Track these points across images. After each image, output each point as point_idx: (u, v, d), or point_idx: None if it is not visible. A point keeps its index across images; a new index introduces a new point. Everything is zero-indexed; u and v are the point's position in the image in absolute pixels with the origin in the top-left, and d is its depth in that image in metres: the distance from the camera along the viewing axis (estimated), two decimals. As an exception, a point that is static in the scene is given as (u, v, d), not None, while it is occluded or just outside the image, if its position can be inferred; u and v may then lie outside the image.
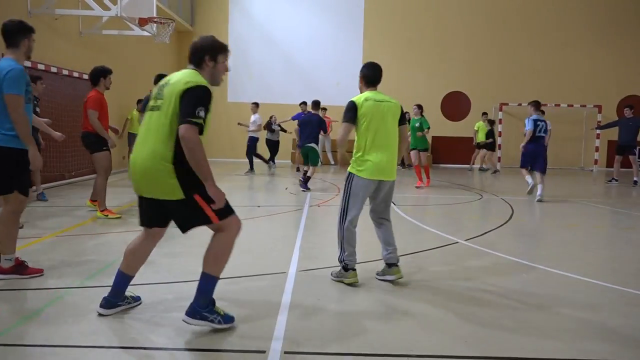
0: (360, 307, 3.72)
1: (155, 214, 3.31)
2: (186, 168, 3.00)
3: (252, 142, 13.78)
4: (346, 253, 4.23)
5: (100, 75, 6.84)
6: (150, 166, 3.05)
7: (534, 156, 9.31)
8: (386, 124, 4.22)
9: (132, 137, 13.26)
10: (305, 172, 10.48)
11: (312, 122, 10.60)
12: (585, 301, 3.94)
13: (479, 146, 15.93)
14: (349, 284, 4.17)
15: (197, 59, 3.29)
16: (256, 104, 13.98)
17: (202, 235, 5.94)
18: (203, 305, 3.15)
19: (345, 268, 4.22)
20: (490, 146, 15.78)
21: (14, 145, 3.98)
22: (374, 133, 4.18)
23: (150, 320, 3.34)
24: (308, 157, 10.38)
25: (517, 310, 3.73)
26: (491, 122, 15.84)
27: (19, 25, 4.09)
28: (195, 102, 2.97)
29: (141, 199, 3.27)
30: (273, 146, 14.96)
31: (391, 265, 4.31)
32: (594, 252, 5.78)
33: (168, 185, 3.04)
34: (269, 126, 14.74)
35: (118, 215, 6.82)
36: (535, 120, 9.25)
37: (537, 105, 9.53)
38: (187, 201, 3.08)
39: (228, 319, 3.19)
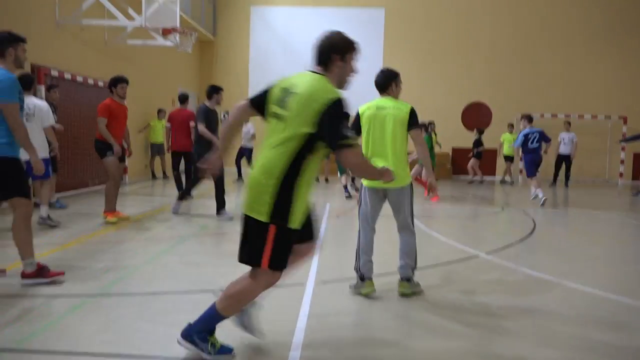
0: (379, 320, 3.68)
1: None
2: (288, 193, 2.69)
3: (246, 153, 13.58)
4: (361, 262, 4.21)
5: (111, 84, 7.06)
6: (257, 179, 2.76)
7: (538, 164, 9.98)
8: (385, 131, 4.15)
9: (154, 147, 13.45)
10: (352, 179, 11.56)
11: None
12: (612, 319, 3.83)
13: (507, 159, 15.48)
14: (365, 295, 4.12)
15: (325, 59, 2.90)
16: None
17: (224, 245, 5.98)
18: (198, 330, 2.92)
19: (362, 278, 4.18)
20: (478, 155, 15.17)
21: (3, 153, 4.05)
22: (372, 141, 4.19)
23: (171, 329, 3.35)
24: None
25: (541, 328, 3.65)
26: (480, 131, 14.94)
27: (3, 35, 4.20)
28: (339, 121, 2.65)
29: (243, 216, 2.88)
30: None
31: (402, 278, 4.24)
32: (620, 267, 5.64)
33: (261, 202, 2.71)
34: None
35: (114, 220, 6.95)
36: (526, 135, 9.88)
37: (529, 119, 10.20)
38: (262, 226, 2.72)
39: (223, 350, 2.93)
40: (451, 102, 17.62)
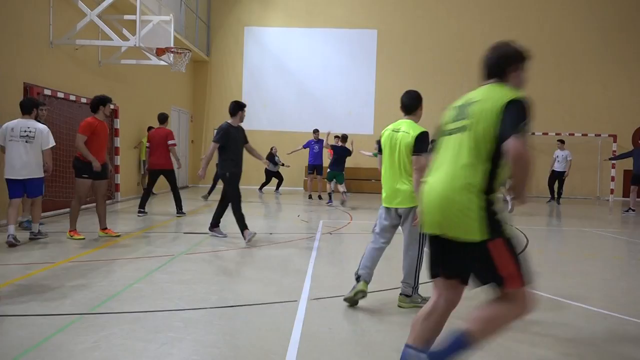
0: (373, 336, 3.66)
1: (454, 260, 2.61)
2: (493, 203, 2.48)
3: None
4: (360, 266, 4.44)
5: (99, 103, 7.15)
6: (449, 196, 2.51)
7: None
8: (394, 154, 4.28)
9: (146, 164, 13.47)
10: (332, 192, 13.02)
11: (336, 153, 13.17)
12: (606, 334, 3.83)
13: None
14: (354, 294, 4.25)
15: (499, 70, 2.78)
16: None
17: (216, 262, 5.95)
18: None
19: (357, 279, 4.35)
20: None
21: None
22: (385, 162, 4.41)
23: (161, 348, 3.32)
24: (335, 178, 12.80)
25: (535, 346, 3.64)
26: None
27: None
28: (518, 115, 2.44)
29: (433, 240, 2.66)
30: (275, 176, 15.26)
31: (401, 293, 4.40)
32: (613, 283, 5.66)
33: (468, 220, 2.45)
34: (271, 158, 14.80)
35: (82, 237, 7.04)
36: None
37: None
38: (483, 246, 2.43)
39: None
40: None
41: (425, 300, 4.27)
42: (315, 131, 14.40)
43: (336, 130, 17.43)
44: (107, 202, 11.43)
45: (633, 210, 12.54)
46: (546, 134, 17.23)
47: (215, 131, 7.51)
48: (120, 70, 12.25)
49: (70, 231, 7.10)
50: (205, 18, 18.22)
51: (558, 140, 15.35)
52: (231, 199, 7.30)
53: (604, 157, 17.23)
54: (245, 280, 5.27)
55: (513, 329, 3.86)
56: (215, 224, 7.71)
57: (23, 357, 3.12)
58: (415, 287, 4.37)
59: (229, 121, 7.43)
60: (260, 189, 15.38)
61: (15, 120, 6.82)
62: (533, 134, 16.88)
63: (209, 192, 13.21)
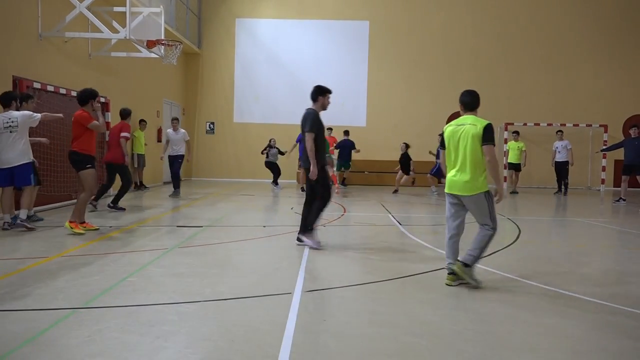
0: (367, 328, 3.68)
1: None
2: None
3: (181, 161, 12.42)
4: (446, 256, 4.91)
5: (90, 97, 7.19)
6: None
7: None
8: (459, 145, 4.72)
9: (140, 158, 13.43)
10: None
11: (346, 146, 15.65)
12: (595, 322, 3.88)
13: (512, 167, 15.16)
14: (447, 284, 4.76)
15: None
16: (176, 119, 12.52)
17: (209, 255, 5.95)
18: None
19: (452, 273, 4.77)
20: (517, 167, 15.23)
21: None
22: (450, 154, 4.84)
23: (155, 341, 3.32)
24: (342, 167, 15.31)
25: (527, 334, 3.68)
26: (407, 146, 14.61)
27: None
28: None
29: None
30: (273, 168, 15.07)
31: (461, 261, 4.75)
32: (604, 272, 5.71)
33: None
34: (270, 149, 14.90)
35: (83, 232, 6.95)
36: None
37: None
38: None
39: None
40: (436, 111, 17.82)
41: (478, 283, 4.70)
42: (329, 129, 14.53)
43: (329, 122, 17.42)
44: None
45: (624, 200, 12.65)
46: (538, 124, 17.31)
47: (303, 119, 6.38)
48: (110, 62, 12.14)
49: (71, 222, 6.98)
50: (196, 10, 18.08)
51: (557, 132, 15.38)
52: (324, 197, 6.33)
53: (595, 147, 17.35)
54: (239, 272, 5.27)
55: (502, 318, 3.90)
56: (307, 229, 6.48)
57: (17, 352, 3.11)
58: (475, 260, 4.73)
59: (314, 107, 6.46)
60: (276, 183, 14.97)
61: None
62: (525, 124, 17.03)
63: (274, 181, 14.59)
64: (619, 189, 13.44)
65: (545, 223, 9.68)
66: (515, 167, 15.14)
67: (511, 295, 4.59)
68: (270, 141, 15.17)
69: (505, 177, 15.46)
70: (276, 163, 15.10)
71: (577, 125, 17.42)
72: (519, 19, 17.88)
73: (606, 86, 17.79)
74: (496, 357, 3.20)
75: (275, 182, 14.93)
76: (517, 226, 8.58)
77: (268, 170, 15.28)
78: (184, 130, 12.40)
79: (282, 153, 14.97)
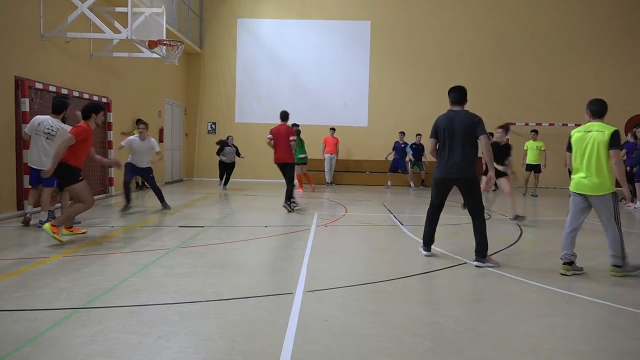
0: (368, 328, 3.68)
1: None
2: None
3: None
4: (564, 251, 5.34)
5: (93, 110, 6.75)
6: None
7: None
8: (586, 151, 5.20)
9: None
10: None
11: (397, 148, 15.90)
12: (600, 323, 3.87)
13: (530, 168, 14.20)
14: (562, 274, 5.24)
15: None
16: (144, 125, 10.09)
17: (211, 255, 5.96)
18: None
19: (567, 262, 5.28)
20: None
21: None
22: (576, 157, 5.33)
23: (157, 341, 3.32)
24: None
25: (527, 335, 3.67)
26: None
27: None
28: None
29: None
30: (228, 169, 14.28)
31: (616, 266, 5.24)
32: (606, 274, 5.70)
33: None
34: (222, 146, 14.11)
35: (61, 239, 6.31)
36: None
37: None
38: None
39: None
40: (436, 111, 17.74)
41: (636, 268, 5.24)
42: (294, 125, 14.61)
43: (331, 122, 17.44)
44: (102, 196, 11.43)
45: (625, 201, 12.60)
46: (540, 124, 17.28)
47: (478, 123, 5.86)
48: (112, 63, 12.16)
49: (54, 227, 6.25)
50: (198, 10, 18.09)
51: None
52: (480, 210, 5.79)
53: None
54: (241, 272, 5.28)
55: (503, 319, 3.89)
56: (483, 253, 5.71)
57: (18, 352, 3.12)
58: (623, 258, 5.18)
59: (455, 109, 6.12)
60: (225, 183, 14.31)
61: (44, 116, 7.64)
62: (526, 124, 17.00)
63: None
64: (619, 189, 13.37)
65: (547, 223, 9.65)
66: (534, 168, 14.15)
67: (513, 295, 4.58)
68: (228, 138, 14.46)
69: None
70: (233, 163, 14.31)
71: (579, 124, 17.36)
72: (519, 19, 17.86)
73: (607, 86, 17.73)
74: (498, 357, 3.20)
75: (224, 182, 14.23)
76: (519, 226, 8.57)
77: (271, 170, 15.30)
78: (154, 140, 9.96)
79: (239, 154, 14.39)
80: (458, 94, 6.24)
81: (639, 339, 3.57)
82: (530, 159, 14.24)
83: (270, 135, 10.10)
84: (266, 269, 5.43)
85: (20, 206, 8.67)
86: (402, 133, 16.01)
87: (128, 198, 9.60)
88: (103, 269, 5.19)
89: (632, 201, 12.67)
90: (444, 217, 9.43)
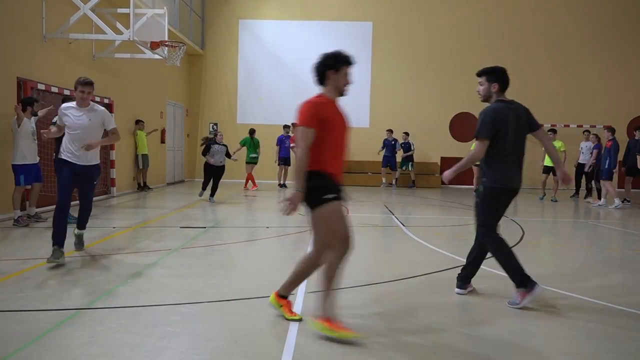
0: (370, 329, 3.67)
1: None
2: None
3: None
4: None
5: (27, 103, 7.81)
6: None
7: None
8: None
9: (144, 158, 13.50)
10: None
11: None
12: (601, 326, 3.86)
13: (548, 170, 13.41)
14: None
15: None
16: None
17: (213, 256, 5.96)
18: None
19: None
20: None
21: None
22: None
23: (158, 342, 3.32)
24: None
25: (530, 336, 3.66)
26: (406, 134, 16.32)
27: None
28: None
29: None
30: (217, 174, 11.54)
31: None
32: (607, 274, 5.69)
33: None
34: (209, 145, 11.40)
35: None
36: None
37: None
38: None
39: None
40: (440, 112, 17.80)
41: None
42: (286, 127, 15.48)
43: (332, 123, 17.43)
44: (103, 197, 11.44)
45: (628, 202, 12.59)
46: (541, 125, 17.24)
47: (481, 120, 4.36)
48: (114, 64, 12.17)
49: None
50: (200, 11, 18.10)
51: (584, 132, 14.41)
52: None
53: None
54: (243, 273, 5.27)
55: (505, 321, 3.88)
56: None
57: (20, 352, 3.12)
58: None
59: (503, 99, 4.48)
60: (212, 193, 11.61)
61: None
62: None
63: (211, 194, 10.65)
64: (622, 190, 13.37)
65: (549, 224, 9.65)
66: (552, 170, 13.04)
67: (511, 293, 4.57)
68: (216, 135, 11.70)
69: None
70: (222, 167, 11.59)
71: (581, 126, 17.35)
72: (523, 19, 17.83)
73: (610, 87, 17.72)
74: (499, 359, 3.19)
75: (212, 192, 11.52)
76: (521, 227, 8.55)
77: (273, 171, 15.29)
78: (103, 109, 6.08)
79: (229, 155, 11.83)
80: (506, 78, 4.53)
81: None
82: (548, 160, 13.05)
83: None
84: (268, 269, 5.43)
85: (23, 206, 8.68)
86: (390, 131, 16.31)
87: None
88: (104, 270, 5.19)
89: (598, 198, 12.66)
90: (445, 217, 9.49)
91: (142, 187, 13.59)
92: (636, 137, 12.40)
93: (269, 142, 16.19)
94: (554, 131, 14.29)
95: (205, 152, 11.44)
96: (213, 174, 11.54)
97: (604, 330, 3.74)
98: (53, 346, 3.22)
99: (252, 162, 14.73)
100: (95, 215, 8.78)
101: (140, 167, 13.51)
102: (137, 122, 13.49)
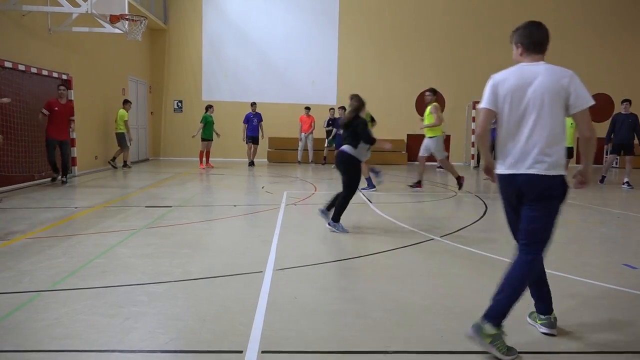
0: (337, 305, 3.72)
1: None
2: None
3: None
4: None
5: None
6: None
7: None
8: None
9: (120, 137, 13.32)
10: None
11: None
12: (558, 294, 4.02)
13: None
14: None
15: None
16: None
17: (178, 235, 5.89)
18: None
19: None
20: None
21: None
22: None
23: (125, 322, 3.29)
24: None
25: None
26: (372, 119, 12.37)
27: None
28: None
29: None
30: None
31: None
32: (564, 246, 5.91)
33: None
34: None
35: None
36: None
37: None
38: None
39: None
40: (406, 89, 17.88)
41: None
42: (253, 104, 15.37)
43: (299, 101, 17.34)
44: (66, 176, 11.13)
45: (604, 177, 12.04)
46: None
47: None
48: (72, 38, 11.70)
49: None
50: (162, -16, 17.52)
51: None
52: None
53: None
54: (209, 252, 5.25)
55: (469, 292, 4.00)
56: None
57: (-20, 337, 3.04)
58: None
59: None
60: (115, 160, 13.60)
61: None
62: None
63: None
64: (601, 166, 13.17)
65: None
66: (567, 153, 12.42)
67: (480, 270, 4.70)
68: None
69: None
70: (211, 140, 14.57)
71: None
72: (488, -3, 17.96)
73: (589, 65, 17.99)
74: (465, 331, 3.29)
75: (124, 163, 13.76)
76: (484, 202, 8.76)
77: (241, 149, 15.29)
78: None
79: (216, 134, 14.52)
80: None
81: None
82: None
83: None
84: (235, 248, 5.42)
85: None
86: (333, 109, 16.11)
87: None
88: (67, 251, 5.07)
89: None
90: (412, 194, 9.55)
91: (124, 165, 13.81)
92: (623, 112, 11.44)
93: (236, 120, 16.02)
94: None
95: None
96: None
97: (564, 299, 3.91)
98: (16, 329, 3.15)
99: (206, 139, 14.54)
100: (57, 195, 8.55)
101: (128, 145, 13.66)
102: (125, 102, 13.73)
